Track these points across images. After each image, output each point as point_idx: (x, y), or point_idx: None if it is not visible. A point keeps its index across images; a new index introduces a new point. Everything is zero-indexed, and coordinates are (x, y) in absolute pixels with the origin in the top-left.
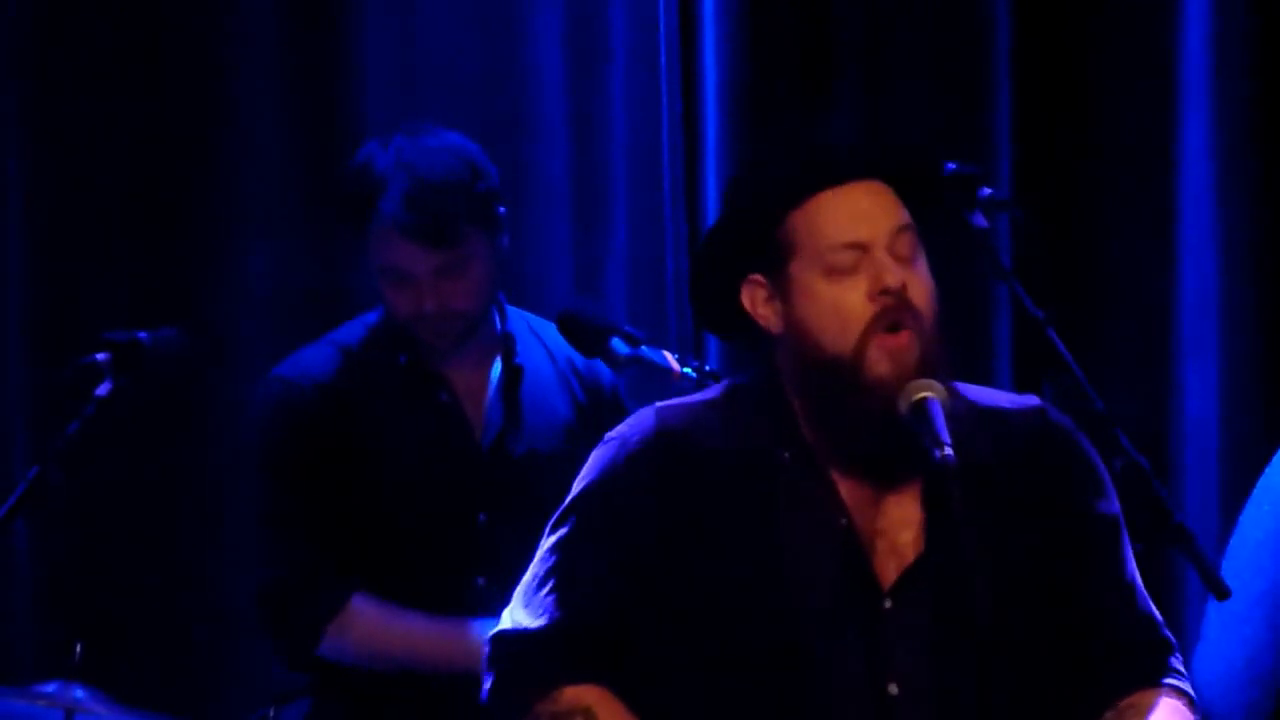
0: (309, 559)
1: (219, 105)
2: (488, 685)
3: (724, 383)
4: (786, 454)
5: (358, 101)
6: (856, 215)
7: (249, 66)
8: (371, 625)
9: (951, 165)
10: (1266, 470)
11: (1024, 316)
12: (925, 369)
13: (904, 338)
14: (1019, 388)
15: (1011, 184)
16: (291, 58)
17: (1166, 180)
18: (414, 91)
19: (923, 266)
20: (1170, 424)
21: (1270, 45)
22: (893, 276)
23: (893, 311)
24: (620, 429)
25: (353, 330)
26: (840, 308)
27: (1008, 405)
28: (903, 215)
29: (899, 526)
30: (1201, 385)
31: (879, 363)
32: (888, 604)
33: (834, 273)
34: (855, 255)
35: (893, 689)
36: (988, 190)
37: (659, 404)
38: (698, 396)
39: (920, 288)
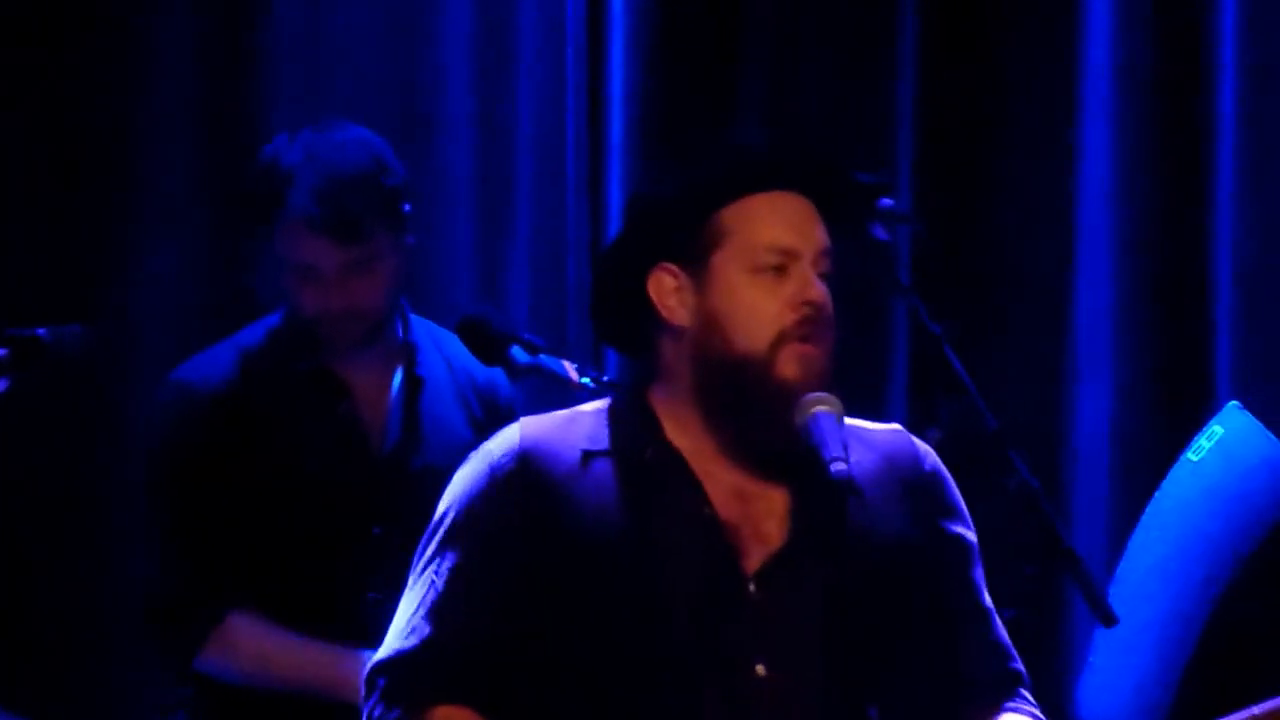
0: (191, 571)
1: (124, 104)
2: (365, 711)
3: (600, 400)
4: (649, 451)
5: (264, 100)
6: (792, 223)
7: (156, 65)
8: (248, 644)
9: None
10: (1156, 496)
11: (920, 332)
12: (827, 385)
13: (816, 349)
14: (914, 405)
15: (911, 197)
16: (198, 57)
17: (1063, 196)
18: (320, 91)
19: (829, 296)
20: (1062, 445)
21: (1170, 62)
22: (816, 292)
23: (810, 324)
24: (485, 444)
25: (254, 333)
26: (759, 308)
27: (870, 427)
28: (826, 238)
29: (764, 515)
30: (1093, 405)
31: (788, 365)
32: (752, 588)
33: (760, 272)
34: (784, 260)
35: (760, 669)
36: (888, 202)
37: (525, 418)
38: (568, 410)
39: (831, 312)
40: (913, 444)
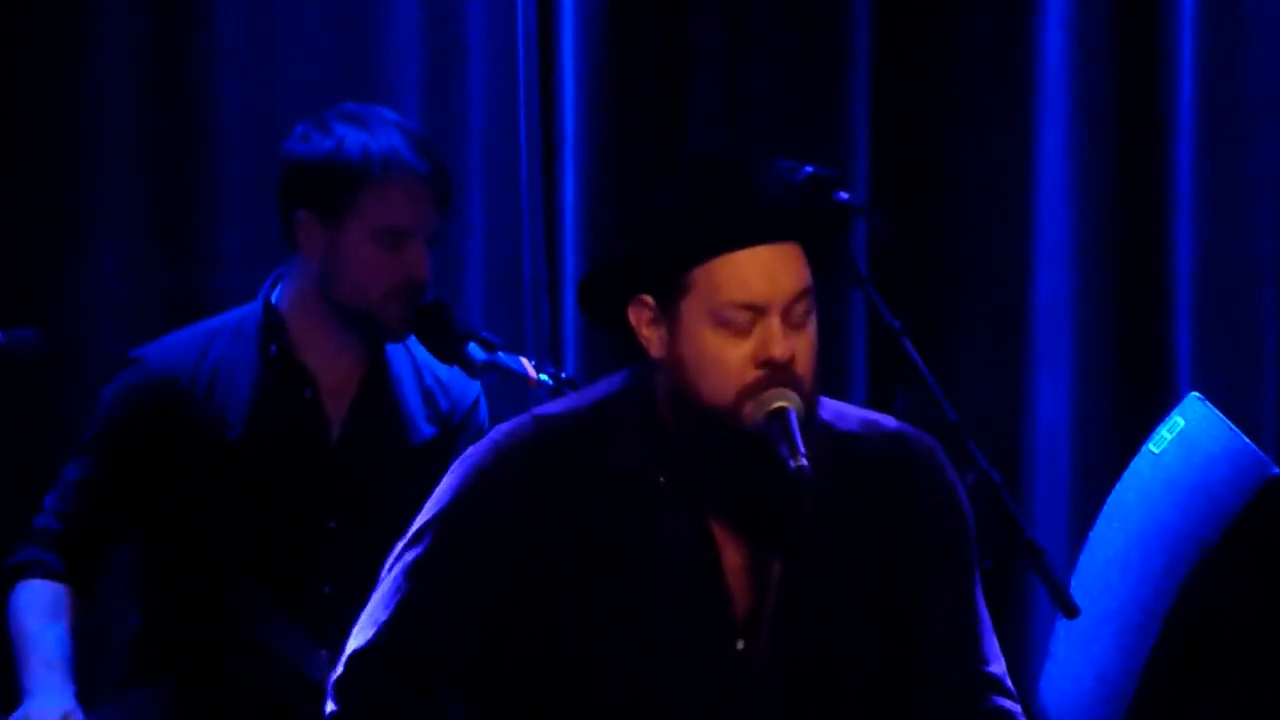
0: (61, 525)
1: (70, 104)
2: (332, 707)
3: (599, 387)
4: (663, 479)
5: (211, 99)
6: (759, 277)
7: (101, 64)
8: (20, 611)
9: (809, 169)
10: (1117, 487)
11: (878, 324)
12: (804, 422)
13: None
14: (872, 397)
15: (868, 190)
16: (144, 53)
17: (1021, 189)
18: (269, 89)
19: (812, 327)
20: (1021, 436)
21: (1128, 55)
22: (780, 349)
23: (774, 380)
24: (493, 436)
25: (230, 318)
26: (723, 362)
27: (864, 431)
28: (805, 278)
29: (759, 560)
30: (1053, 396)
31: (752, 416)
32: (740, 645)
33: (724, 326)
34: (749, 315)
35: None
36: (844, 195)
37: (536, 410)
38: (573, 402)
39: (806, 353)
40: (910, 450)
